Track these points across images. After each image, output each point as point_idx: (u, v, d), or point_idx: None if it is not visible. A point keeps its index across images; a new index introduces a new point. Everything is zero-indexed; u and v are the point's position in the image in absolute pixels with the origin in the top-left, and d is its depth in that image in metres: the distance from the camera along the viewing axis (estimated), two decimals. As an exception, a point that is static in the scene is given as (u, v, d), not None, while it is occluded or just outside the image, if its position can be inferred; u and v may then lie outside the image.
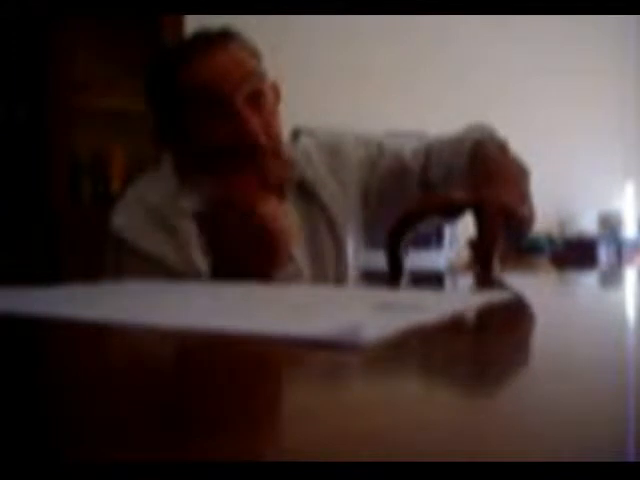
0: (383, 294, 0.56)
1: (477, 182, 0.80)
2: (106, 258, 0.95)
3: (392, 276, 0.77)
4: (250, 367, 0.27)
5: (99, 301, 0.50)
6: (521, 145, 0.96)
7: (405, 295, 0.56)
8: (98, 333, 0.36)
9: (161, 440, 0.17)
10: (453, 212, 0.80)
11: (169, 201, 0.94)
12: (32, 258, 2.44)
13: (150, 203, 0.94)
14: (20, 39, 2.59)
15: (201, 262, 0.91)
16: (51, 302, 0.47)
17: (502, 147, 0.90)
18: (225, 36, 0.93)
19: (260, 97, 0.92)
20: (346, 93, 3.01)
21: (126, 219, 0.93)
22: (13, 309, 0.40)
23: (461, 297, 0.60)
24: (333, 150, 1.04)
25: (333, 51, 3.04)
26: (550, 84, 3.74)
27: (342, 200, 1.02)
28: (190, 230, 0.93)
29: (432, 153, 0.99)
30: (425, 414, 0.20)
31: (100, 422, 0.18)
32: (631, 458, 0.15)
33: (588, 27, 3.88)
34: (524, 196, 0.80)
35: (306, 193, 1.00)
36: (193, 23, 2.55)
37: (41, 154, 2.55)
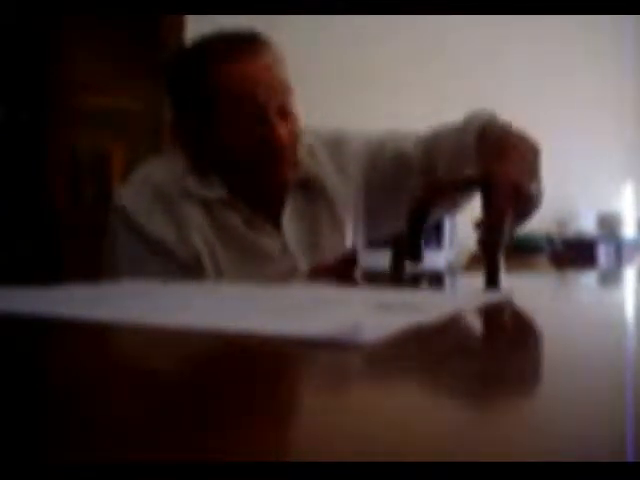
0: (383, 294, 0.56)
1: (485, 160, 0.79)
2: (106, 233, 0.95)
3: (413, 257, 0.74)
4: (250, 366, 0.27)
5: (100, 301, 0.50)
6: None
7: (405, 295, 0.56)
8: (99, 333, 0.36)
9: (161, 440, 0.17)
10: (462, 190, 0.78)
11: (174, 182, 0.94)
12: (32, 258, 2.44)
13: (155, 182, 0.94)
14: (20, 39, 2.58)
15: (200, 245, 0.92)
16: (51, 302, 0.47)
17: (508, 127, 0.89)
18: (257, 41, 0.94)
19: (288, 106, 0.93)
20: (346, 93, 3.01)
21: (129, 196, 0.93)
22: (13, 309, 0.40)
23: (461, 297, 0.60)
24: (336, 145, 1.04)
25: (334, 51, 3.04)
26: (550, 84, 3.74)
27: (345, 193, 1.02)
28: (192, 212, 0.93)
29: (436, 142, 0.99)
30: (425, 414, 0.20)
31: (102, 422, 0.18)
32: (631, 458, 0.15)
33: (588, 27, 3.88)
34: (534, 173, 0.78)
35: (310, 189, 1.00)
36: (193, 23, 2.55)
37: (41, 154, 2.55)
